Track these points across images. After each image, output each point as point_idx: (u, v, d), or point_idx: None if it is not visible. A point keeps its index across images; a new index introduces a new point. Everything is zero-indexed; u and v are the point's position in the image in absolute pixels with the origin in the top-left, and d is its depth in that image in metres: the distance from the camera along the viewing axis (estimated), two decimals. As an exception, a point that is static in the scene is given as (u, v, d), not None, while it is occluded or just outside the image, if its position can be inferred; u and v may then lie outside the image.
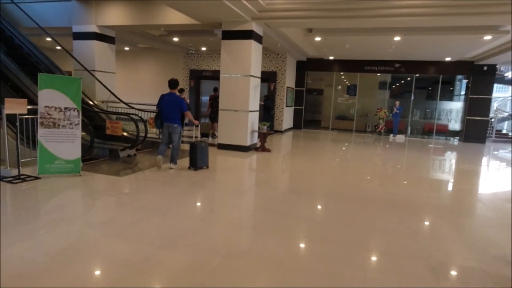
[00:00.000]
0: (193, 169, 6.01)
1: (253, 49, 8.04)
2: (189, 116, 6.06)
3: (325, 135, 13.89)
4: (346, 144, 11.66)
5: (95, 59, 9.35)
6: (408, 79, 14.75)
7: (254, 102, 8.54)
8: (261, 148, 8.47)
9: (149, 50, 14.65)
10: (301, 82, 15.28)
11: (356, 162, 8.09)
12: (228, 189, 5.18)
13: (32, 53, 8.65)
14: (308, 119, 16.06)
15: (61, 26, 9.63)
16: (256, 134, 8.81)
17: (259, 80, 8.77)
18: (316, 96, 16.48)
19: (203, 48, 13.11)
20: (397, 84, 15.62)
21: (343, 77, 15.63)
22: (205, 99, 14.64)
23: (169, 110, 5.79)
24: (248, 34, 7.91)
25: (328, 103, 15.95)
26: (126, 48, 14.40)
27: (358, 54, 12.85)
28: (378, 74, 15.14)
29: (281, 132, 13.57)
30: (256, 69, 8.41)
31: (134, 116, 7.00)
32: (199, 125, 7.26)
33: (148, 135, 8.55)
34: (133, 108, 8.53)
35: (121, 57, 15.29)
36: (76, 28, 9.43)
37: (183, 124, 7.07)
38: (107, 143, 7.07)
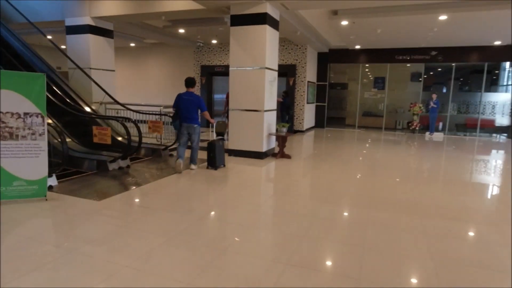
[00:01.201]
0: (213, 169, 5.93)
1: (268, 36, 6.71)
2: (207, 116, 5.89)
3: (352, 134, 12.38)
4: (377, 144, 10.15)
5: (90, 55, 8.29)
6: (446, 68, 12.98)
7: (271, 100, 7.22)
8: (280, 154, 7.14)
9: (157, 46, 13.57)
10: (323, 76, 13.80)
11: (393, 167, 6.64)
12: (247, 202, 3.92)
13: (23, 53, 7.69)
14: (331, 116, 14.57)
15: (54, 20, 8.63)
16: (273, 138, 7.49)
17: (276, 73, 7.43)
18: (340, 91, 14.94)
19: (214, 41, 11.87)
20: (433, 75, 13.86)
21: (369, 69, 14.01)
22: (217, 97, 13.43)
23: (188, 109, 5.56)
24: (261, 18, 6.59)
25: (353, 99, 14.40)
26: (132, 44, 13.38)
27: (389, 42, 11.25)
28: (408, 65, 13.46)
29: (302, 132, 12.17)
30: (272, 60, 7.08)
31: (125, 119, 5.84)
32: (213, 124, 7.07)
33: (148, 141, 7.45)
34: (129, 109, 7.41)
35: (127, 54, 14.31)
36: (69, 21, 8.40)
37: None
38: (96, 153, 5.93)
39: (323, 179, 5.69)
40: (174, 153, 7.32)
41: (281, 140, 7.11)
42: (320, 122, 14.10)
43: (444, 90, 13.37)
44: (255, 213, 3.94)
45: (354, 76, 14.29)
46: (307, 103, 12.43)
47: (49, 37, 11.54)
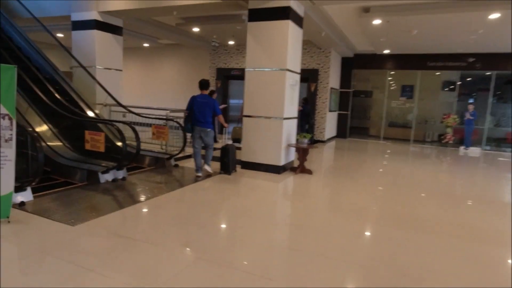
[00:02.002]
0: (227, 174, 5.82)
1: (291, 33, 5.85)
2: (221, 119, 5.77)
3: (377, 146, 11.30)
4: (406, 158, 9.06)
5: (96, 53, 7.63)
6: (483, 77, 11.75)
7: (292, 106, 6.32)
8: (300, 168, 6.21)
9: (171, 47, 12.94)
10: (347, 83, 12.81)
11: (428, 187, 5.59)
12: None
13: (22, 47, 7.12)
14: (354, 126, 13.52)
15: (62, 15, 8.05)
16: (292, 150, 6.57)
17: (298, 77, 6.54)
18: (364, 99, 13.88)
19: (230, 42, 11.11)
20: (468, 84, 12.63)
21: (396, 76, 12.91)
22: (233, 102, 12.62)
23: (202, 112, 5.38)
24: (284, 13, 5.73)
25: (378, 107, 13.32)
26: (145, 45, 12.79)
27: (422, 46, 10.18)
28: (438, 73, 12.33)
29: (323, 142, 11.19)
30: (294, 61, 6.20)
31: (120, 124, 5.07)
32: (227, 128, 6.97)
33: (152, 148, 6.65)
34: (131, 112, 6.67)
35: (140, 55, 13.75)
36: (75, 16, 7.79)
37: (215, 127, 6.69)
38: (87, 162, 5.17)
39: (349, 200, 4.71)
40: (180, 163, 6.51)
41: (302, 153, 6.18)
42: (342, 132, 13.08)
43: (491, 100, 12.10)
44: (272, 253, 3.02)
45: (380, 84, 13.24)
46: (329, 111, 11.46)
47: (60, 35, 11.08)
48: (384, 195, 5.19)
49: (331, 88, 11.35)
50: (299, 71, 6.52)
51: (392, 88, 12.91)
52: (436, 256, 3.03)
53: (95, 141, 4.84)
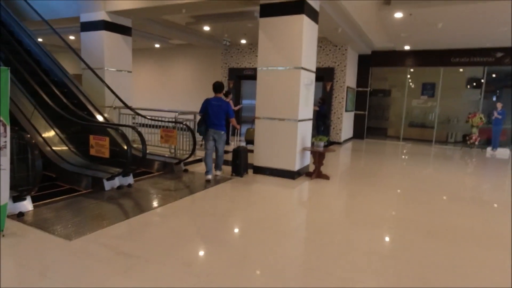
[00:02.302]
0: (238, 176, 5.77)
1: (306, 29, 5.48)
2: (233, 122, 5.72)
3: (396, 148, 10.77)
4: (428, 160, 8.53)
5: (104, 54, 7.45)
6: (508, 72, 11.05)
7: (307, 107, 5.95)
8: (316, 173, 5.84)
9: (183, 47, 12.74)
10: (364, 81, 12.31)
11: (457, 193, 5.11)
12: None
13: (32, 50, 7.03)
14: (371, 126, 12.98)
15: (71, 16, 7.93)
16: (308, 154, 6.20)
17: (313, 76, 6.17)
18: (381, 98, 13.31)
19: (243, 41, 10.80)
20: (493, 81, 11.92)
21: (416, 73, 12.30)
22: (246, 102, 12.31)
23: (215, 115, 5.34)
24: (298, 7, 5.37)
25: (397, 107, 12.74)
26: (157, 45, 12.63)
27: (446, 41, 9.61)
28: (461, 70, 11.65)
29: (339, 144, 10.74)
30: (309, 59, 5.83)
31: (124, 127, 4.83)
32: (239, 130, 6.81)
33: (160, 152, 6.39)
34: (139, 115, 6.46)
35: (152, 56, 13.62)
36: (84, 17, 7.64)
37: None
38: (92, 168, 4.95)
39: (371, 210, 4.30)
40: (190, 167, 6.24)
41: (318, 157, 5.80)
42: (359, 132, 12.58)
43: (500, 98, 11.37)
44: (285, 273, 2.68)
45: (399, 82, 12.67)
46: (346, 111, 11.00)
47: (72, 37, 11.04)
48: (409, 203, 4.76)
49: (348, 87, 10.89)
50: (314, 69, 6.14)
51: (412, 86, 12.30)
52: (478, 272, 2.62)
53: (100, 146, 4.61)
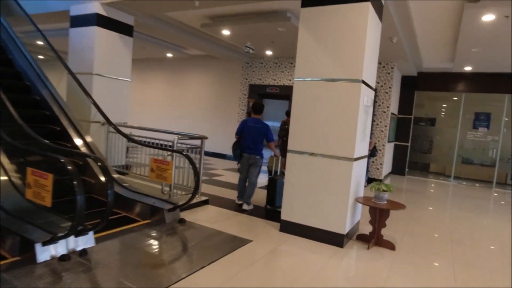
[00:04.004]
0: (271, 208, 5.09)
1: (370, 24, 3.69)
2: (272, 147, 5.22)
3: (457, 190, 8.63)
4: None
5: (94, 55, 5.85)
6: None
7: (364, 140, 4.08)
8: (375, 238, 3.88)
9: (198, 59, 11.20)
10: (407, 107, 10.41)
11: None
12: None
13: (14, 59, 5.56)
14: (411, 160, 10.92)
15: (61, 10, 6.45)
16: (359, 206, 4.28)
17: (373, 94, 4.32)
18: (424, 128, 11.29)
19: (268, 52, 9.13)
20: None
21: (466, 100, 10.29)
22: (268, 124, 10.51)
23: (252, 138, 4.92)
24: (361, -8, 3.61)
25: (443, 138, 10.75)
26: (169, 55, 11.13)
27: (523, 62, 7.65)
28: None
29: (379, 181, 8.71)
30: (370, 69, 4.01)
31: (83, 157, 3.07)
32: (278, 158, 5.85)
33: (149, 190, 4.51)
34: (120, 132, 4.76)
35: (163, 67, 12.13)
36: (75, 10, 6.12)
37: None
38: (26, 221, 3.15)
39: None
40: (190, 214, 4.40)
41: (379, 215, 3.85)
42: (399, 167, 10.54)
43: None
44: None
45: (448, 109, 10.72)
46: (388, 141, 9.05)
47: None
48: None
49: (391, 114, 8.99)
50: (374, 85, 4.30)
51: (467, 115, 10.26)
52: None
53: (39, 186, 2.84)
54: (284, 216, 4.11)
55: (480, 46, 6.46)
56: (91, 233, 3.13)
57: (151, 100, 12.50)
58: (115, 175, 4.69)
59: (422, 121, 11.22)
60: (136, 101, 12.86)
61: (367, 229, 4.33)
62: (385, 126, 8.76)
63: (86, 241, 3.10)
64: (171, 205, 4.13)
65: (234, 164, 9.42)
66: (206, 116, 11.12)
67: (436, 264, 3.65)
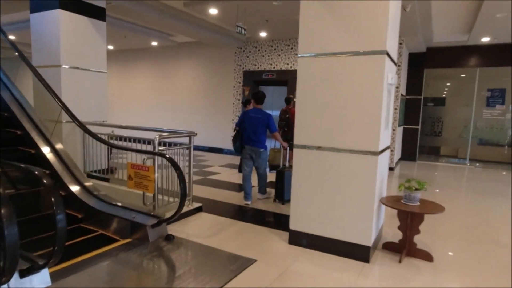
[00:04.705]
0: (280, 203, 4.85)
1: (393, -20, 2.88)
2: (277, 138, 4.94)
3: (476, 175, 7.93)
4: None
5: (60, 44, 5.02)
6: None
7: (387, 128, 3.31)
8: (407, 247, 3.15)
9: (186, 47, 10.32)
10: (415, 87, 9.62)
11: None
12: None
13: None
14: (420, 144, 10.18)
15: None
16: (382, 209, 3.54)
17: (395, 69, 3.52)
18: (433, 109, 10.51)
19: (262, 34, 8.27)
20: None
21: (480, 77, 9.49)
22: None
23: (254, 130, 4.68)
24: None
25: (455, 119, 10.00)
26: (154, 43, 10.24)
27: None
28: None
29: (391, 170, 8.00)
30: (393, 39, 3.21)
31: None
32: (286, 148, 5.57)
33: (128, 201, 3.70)
34: (87, 131, 3.99)
35: (148, 57, 11.24)
36: (35, -8, 5.26)
37: None
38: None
39: None
40: (179, 226, 3.65)
41: (411, 220, 3.11)
42: (409, 153, 9.82)
43: None
44: None
45: (460, 87, 9.93)
46: (399, 125, 8.30)
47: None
48: None
49: (401, 95, 8.21)
50: (396, 59, 3.51)
51: (482, 92, 9.47)
52: None
53: None
54: (294, 225, 3.36)
55: (506, 10, 5.64)
56: (47, 270, 2.38)
57: (138, 95, 11.65)
58: (88, 183, 3.92)
59: (430, 101, 10.45)
60: (121, 97, 12.03)
61: (391, 232, 3.61)
62: (395, 108, 7.99)
63: (39, 281, 2.35)
64: (155, 220, 3.37)
65: (231, 160, 8.65)
66: (199, 108, 10.31)
67: (490, 276, 2.92)
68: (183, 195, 3.22)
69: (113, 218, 3.51)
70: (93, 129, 5.31)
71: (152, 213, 3.48)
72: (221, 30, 8.05)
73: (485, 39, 7.88)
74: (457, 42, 8.51)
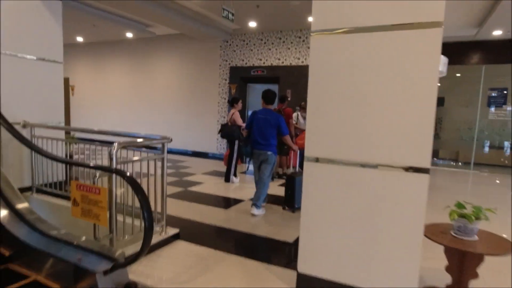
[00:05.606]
0: (291, 211, 4.47)
1: None
2: (288, 141, 4.59)
3: (478, 179, 7.25)
4: None
5: (0, 26, 3.97)
6: None
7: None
8: (461, 300, 2.29)
9: (166, 40, 9.31)
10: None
11: None
12: None
13: None
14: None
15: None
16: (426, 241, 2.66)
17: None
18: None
19: (252, 24, 7.36)
20: None
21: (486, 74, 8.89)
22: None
23: (262, 132, 4.34)
24: None
25: (457, 120, 9.45)
26: (129, 35, 9.18)
27: None
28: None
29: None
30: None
31: None
32: (297, 152, 5.33)
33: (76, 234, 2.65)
34: (17, 136, 2.98)
35: (123, 51, 10.14)
36: (-33, -40, 4.17)
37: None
38: None
39: None
40: (147, 264, 2.68)
41: (468, 261, 2.26)
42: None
43: None
44: None
45: (463, 86, 9.36)
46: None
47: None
48: None
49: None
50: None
51: (487, 92, 8.87)
52: None
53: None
54: (303, 266, 2.46)
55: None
56: None
57: (111, 93, 10.53)
58: (22, 205, 2.90)
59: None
60: (92, 95, 10.88)
61: (426, 267, 2.78)
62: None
63: None
64: (109, 263, 2.39)
65: (216, 166, 7.68)
66: (181, 109, 9.30)
67: None
68: (149, 229, 2.26)
69: (51, 258, 2.51)
70: (46, 132, 4.31)
71: (105, 253, 2.49)
72: (205, 20, 7.09)
73: (497, 33, 7.18)
74: (463, 37, 7.81)
